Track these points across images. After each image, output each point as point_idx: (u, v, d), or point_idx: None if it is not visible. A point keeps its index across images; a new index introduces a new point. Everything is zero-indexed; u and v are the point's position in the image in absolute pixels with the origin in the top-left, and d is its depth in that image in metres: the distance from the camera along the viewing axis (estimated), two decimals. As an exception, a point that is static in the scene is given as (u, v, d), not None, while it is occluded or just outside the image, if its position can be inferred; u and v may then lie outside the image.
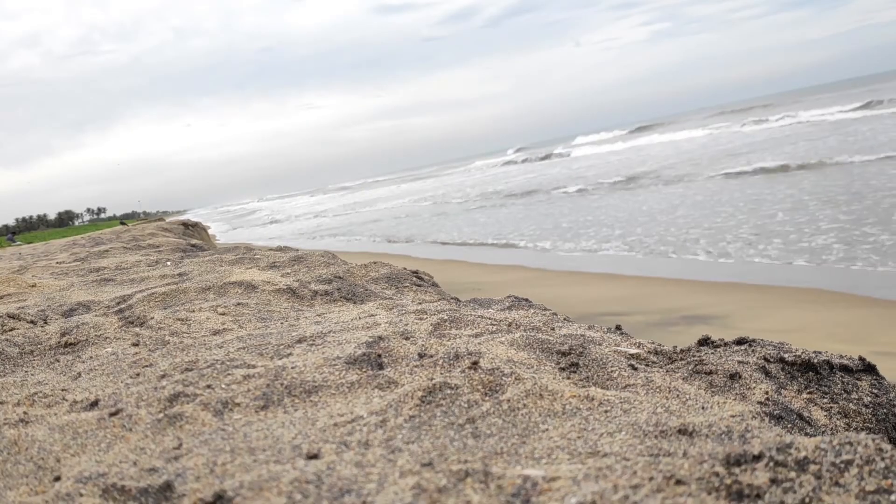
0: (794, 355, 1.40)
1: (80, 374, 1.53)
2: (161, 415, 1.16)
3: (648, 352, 1.45)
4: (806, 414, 1.23)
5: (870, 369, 1.42)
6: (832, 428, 1.24)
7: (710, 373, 1.28)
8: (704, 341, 1.53)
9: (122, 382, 1.41)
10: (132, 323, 2.05)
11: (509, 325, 1.68)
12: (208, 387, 1.26)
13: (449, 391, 1.09)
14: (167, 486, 0.89)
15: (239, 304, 2.15)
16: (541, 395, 1.06)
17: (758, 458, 0.74)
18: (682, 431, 0.91)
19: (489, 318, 1.74)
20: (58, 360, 1.71)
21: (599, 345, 1.46)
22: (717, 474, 0.73)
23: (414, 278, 2.66)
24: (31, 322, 2.13)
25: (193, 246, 5.33)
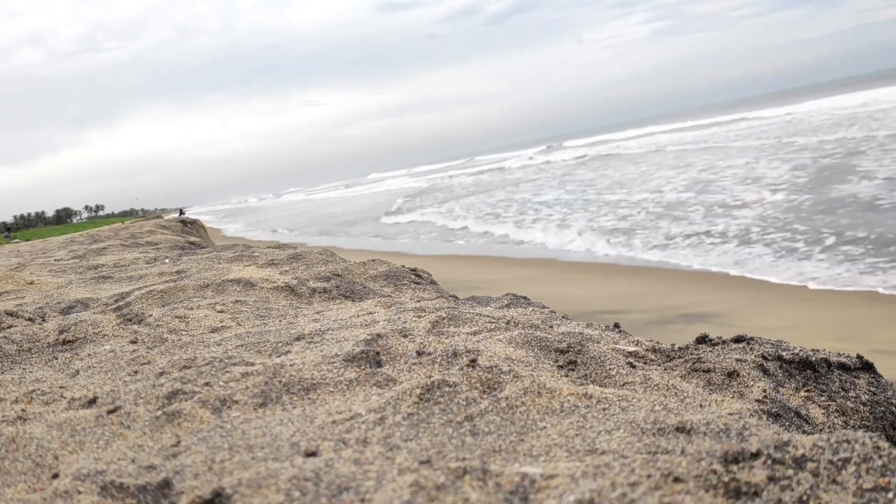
0: (792, 353, 1.40)
1: (78, 372, 1.53)
2: (159, 412, 1.16)
3: (646, 350, 1.45)
4: (804, 412, 1.23)
5: (868, 367, 1.43)
6: (830, 426, 1.25)
7: (708, 371, 1.28)
8: (702, 339, 1.53)
9: (120, 380, 1.41)
10: (130, 320, 2.05)
11: (507, 322, 1.68)
12: (206, 384, 1.26)
13: (447, 389, 1.10)
14: (165, 484, 0.89)
15: (237, 301, 2.15)
16: (539, 392, 1.06)
17: (755, 455, 0.74)
18: (680, 429, 0.91)
19: (487, 316, 1.74)
20: (56, 358, 1.71)
21: (598, 343, 1.46)
22: (714, 472, 0.73)
23: (412, 276, 2.66)
24: (29, 319, 2.13)
25: (192, 243, 5.33)
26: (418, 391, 1.10)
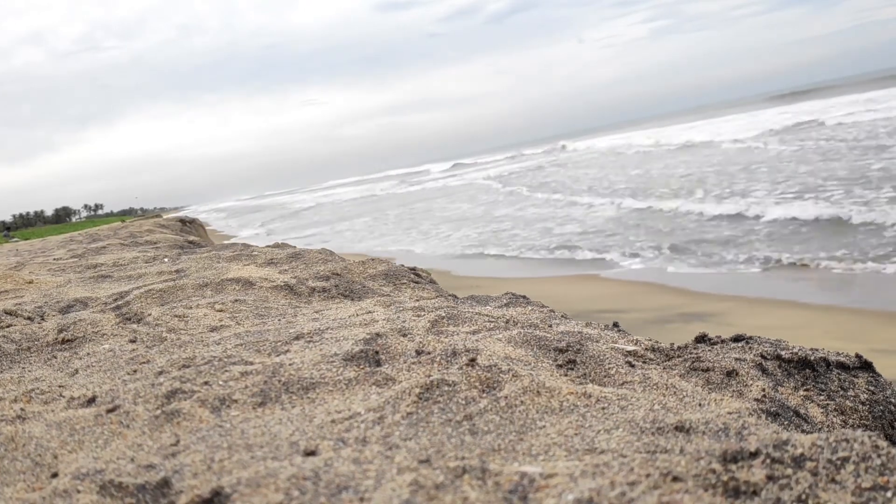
0: (791, 352, 1.40)
1: (77, 371, 1.53)
2: (158, 411, 1.16)
3: (646, 349, 1.45)
4: (802, 411, 1.24)
5: (866, 366, 1.43)
6: (829, 425, 1.25)
7: (707, 370, 1.28)
8: (701, 338, 1.53)
9: (119, 379, 1.41)
10: (129, 319, 2.05)
11: (507, 322, 1.68)
12: (206, 384, 1.26)
13: (446, 388, 1.10)
14: (164, 483, 0.89)
15: (236, 300, 2.15)
16: (538, 391, 1.06)
17: (754, 455, 0.74)
18: (679, 428, 0.92)
19: (487, 315, 1.74)
20: (55, 357, 1.71)
21: (597, 342, 1.46)
22: (713, 471, 0.73)
23: (412, 275, 2.66)
24: (28, 318, 2.12)
25: (191, 243, 5.32)
26: (417, 390, 1.10)
